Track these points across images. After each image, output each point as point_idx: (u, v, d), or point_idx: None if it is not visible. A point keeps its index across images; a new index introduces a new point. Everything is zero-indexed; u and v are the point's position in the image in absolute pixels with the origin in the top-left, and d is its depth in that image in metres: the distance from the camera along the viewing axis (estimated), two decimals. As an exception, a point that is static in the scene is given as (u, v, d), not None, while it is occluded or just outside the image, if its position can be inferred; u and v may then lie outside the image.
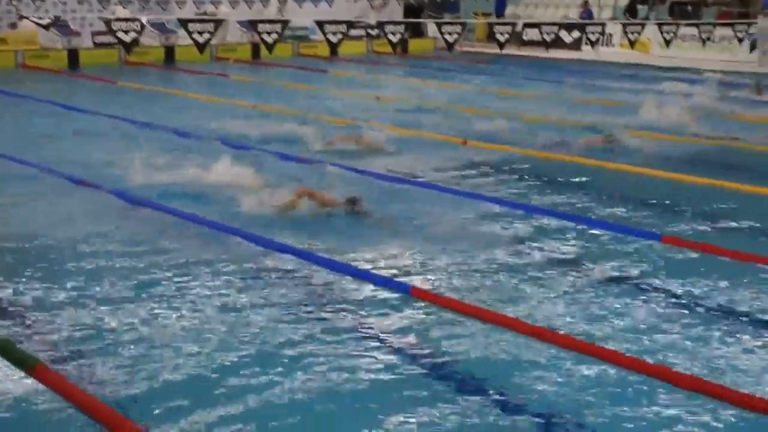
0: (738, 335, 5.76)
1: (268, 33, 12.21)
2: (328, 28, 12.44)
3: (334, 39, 12.33)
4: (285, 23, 13.23)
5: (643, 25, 20.93)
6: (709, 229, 8.33)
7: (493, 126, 13.57)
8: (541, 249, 7.58)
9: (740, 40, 22.57)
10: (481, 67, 24.67)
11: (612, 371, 5.11)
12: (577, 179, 10.43)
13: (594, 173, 10.72)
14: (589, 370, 5.14)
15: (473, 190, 9.59)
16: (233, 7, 26.89)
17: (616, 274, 6.97)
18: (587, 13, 30.00)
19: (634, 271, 7.01)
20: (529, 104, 16.90)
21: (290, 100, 16.57)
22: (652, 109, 15.11)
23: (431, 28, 26.37)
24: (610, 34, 26.74)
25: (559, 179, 10.43)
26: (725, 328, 5.88)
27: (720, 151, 12.11)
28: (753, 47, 25.16)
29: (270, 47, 12.48)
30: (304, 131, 12.28)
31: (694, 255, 7.45)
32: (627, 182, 10.34)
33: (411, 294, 6.32)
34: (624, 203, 9.34)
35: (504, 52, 25.59)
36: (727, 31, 22.75)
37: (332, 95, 17.77)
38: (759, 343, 5.65)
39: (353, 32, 27.19)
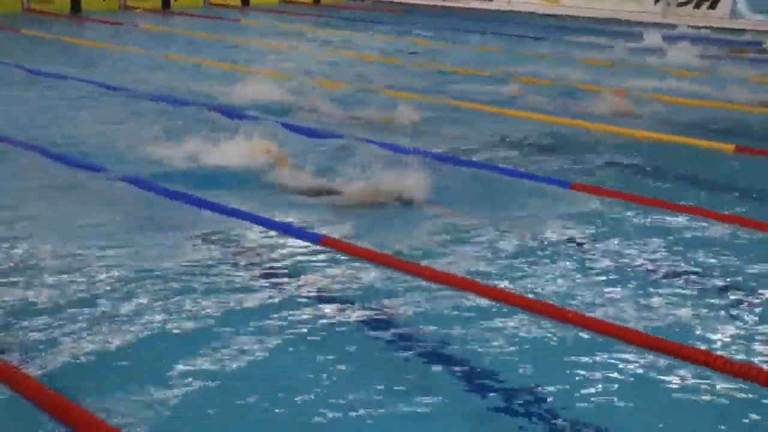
0: (643, 282, 6.00)
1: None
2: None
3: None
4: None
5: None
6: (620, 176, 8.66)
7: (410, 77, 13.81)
8: (448, 196, 7.70)
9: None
10: (396, 16, 24.63)
11: (518, 315, 5.31)
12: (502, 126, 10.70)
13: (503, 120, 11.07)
14: (493, 315, 5.34)
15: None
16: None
17: (523, 221, 7.17)
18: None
19: (541, 219, 7.22)
20: (436, 54, 17.13)
21: (213, 52, 16.37)
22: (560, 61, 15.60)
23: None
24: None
25: (484, 126, 10.66)
26: (627, 274, 6.15)
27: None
28: (658, -2, 25.76)
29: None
30: (246, 88, 11.98)
31: (601, 201, 7.73)
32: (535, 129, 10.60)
33: (321, 243, 6.45)
34: (534, 150, 9.58)
35: (417, 1, 25.67)
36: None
37: (257, 47, 17.57)
38: (666, 291, 5.89)
39: (265, -19, 26.92)
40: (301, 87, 12.18)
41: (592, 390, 4.50)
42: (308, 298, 5.56)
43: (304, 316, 5.26)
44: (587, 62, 15.94)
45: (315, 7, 27.15)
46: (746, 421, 4.29)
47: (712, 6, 25.55)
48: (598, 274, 6.06)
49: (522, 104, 11.84)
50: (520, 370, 4.71)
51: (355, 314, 5.32)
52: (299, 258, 6.23)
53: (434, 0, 28.30)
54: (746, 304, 5.65)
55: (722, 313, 5.49)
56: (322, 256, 6.24)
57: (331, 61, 15.64)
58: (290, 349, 4.87)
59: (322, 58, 16.04)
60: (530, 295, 5.60)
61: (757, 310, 5.56)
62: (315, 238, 6.52)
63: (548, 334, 5.09)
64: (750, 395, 4.46)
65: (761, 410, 4.35)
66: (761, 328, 5.28)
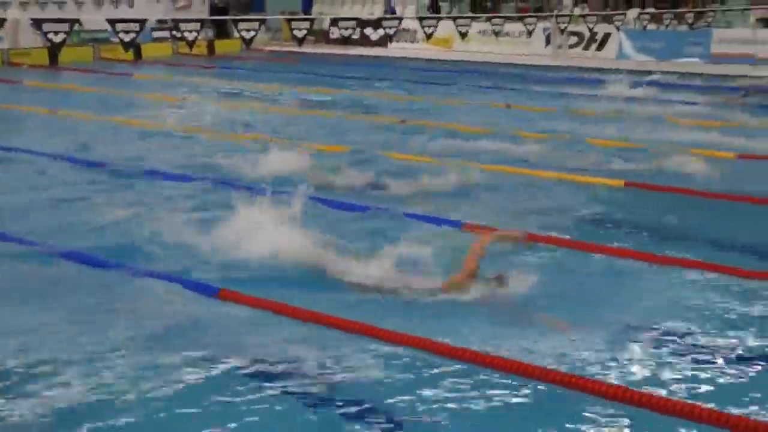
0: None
1: (55, 33, 11.45)
2: (121, 26, 11.88)
3: (127, 38, 11.80)
4: (74, 22, 12.48)
5: (438, 20, 21.61)
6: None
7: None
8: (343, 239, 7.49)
9: (529, 34, 23.71)
10: (293, 66, 24.48)
11: (399, 350, 5.27)
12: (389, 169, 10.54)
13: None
14: (378, 353, 5.29)
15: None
16: (25, 9, 25.43)
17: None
18: (391, 10, 30.61)
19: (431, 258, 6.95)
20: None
21: (123, 109, 15.77)
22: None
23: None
24: (414, 31, 27.32)
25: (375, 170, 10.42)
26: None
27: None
28: (548, 42, 26.42)
29: (57, 47, 11.76)
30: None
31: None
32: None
33: (219, 296, 6.23)
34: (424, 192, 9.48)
35: (312, 50, 25.66)
36: (523, 26, 23.84)
37: (162, 102, 17.10)
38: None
39: (158, 34, 26.58)
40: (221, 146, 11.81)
41: None
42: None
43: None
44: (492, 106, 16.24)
45: (210, 58, 26.92)
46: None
47: (600, 48, 26.36)
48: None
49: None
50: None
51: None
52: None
53: (328, 48, 28.44)
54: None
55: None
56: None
57: (252, 116, 15.32)
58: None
59: (240, 112, 15.75)
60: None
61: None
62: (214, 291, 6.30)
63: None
64: None
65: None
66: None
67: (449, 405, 4.71)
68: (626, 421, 4.52)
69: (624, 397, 4.64)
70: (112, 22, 12.43)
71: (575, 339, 5.49)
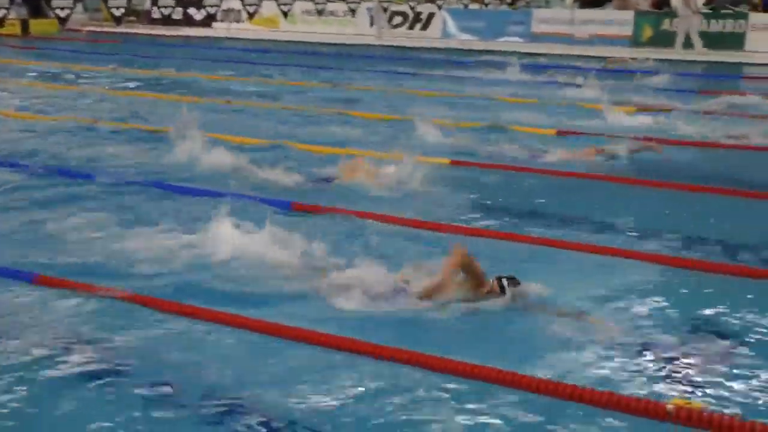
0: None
1: None
2: None
3: None
4: None
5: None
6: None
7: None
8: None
9: (353, 12, 23.90)
10: (115, 46, 23.57)
11: (252, 337, 5.18)
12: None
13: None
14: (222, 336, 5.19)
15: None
16: None
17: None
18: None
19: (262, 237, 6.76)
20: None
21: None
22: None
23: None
24: (239, 11, 26.95)
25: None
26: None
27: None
28: (372, 22, 26.62)
29: None
30: None
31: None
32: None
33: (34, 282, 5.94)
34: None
35: (134, 31, 24.89)
36: (346, 5, 23.95)
37: None
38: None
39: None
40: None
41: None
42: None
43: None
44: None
45: (24, 39, 25.62)
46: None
47: (425, 27, 26.81)
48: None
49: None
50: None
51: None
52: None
53: (150, 28, 27.65)
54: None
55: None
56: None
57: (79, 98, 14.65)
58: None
59: (57, 94, 14.99)
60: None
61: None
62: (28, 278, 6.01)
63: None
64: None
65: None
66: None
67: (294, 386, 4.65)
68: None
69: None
70: None
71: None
